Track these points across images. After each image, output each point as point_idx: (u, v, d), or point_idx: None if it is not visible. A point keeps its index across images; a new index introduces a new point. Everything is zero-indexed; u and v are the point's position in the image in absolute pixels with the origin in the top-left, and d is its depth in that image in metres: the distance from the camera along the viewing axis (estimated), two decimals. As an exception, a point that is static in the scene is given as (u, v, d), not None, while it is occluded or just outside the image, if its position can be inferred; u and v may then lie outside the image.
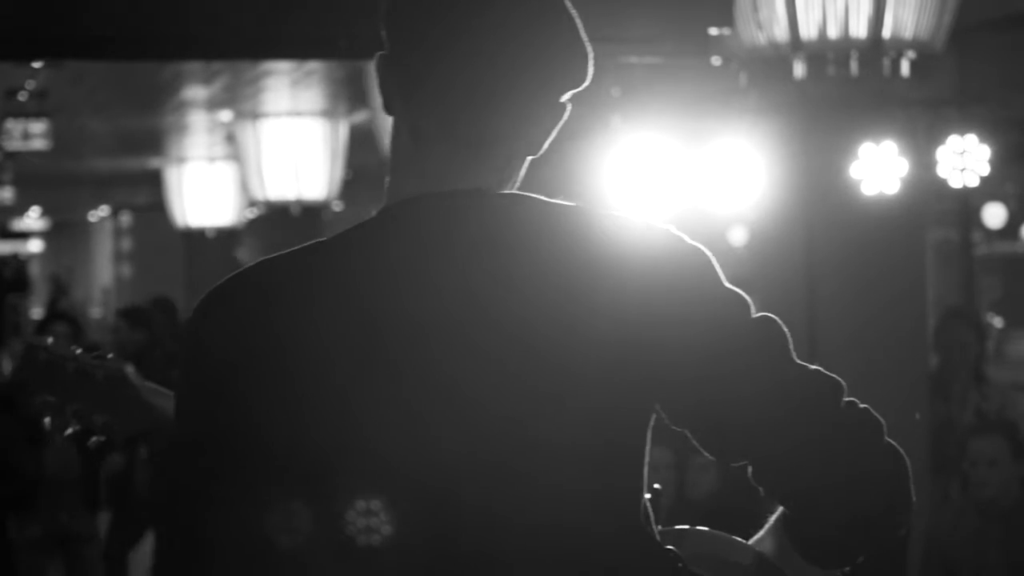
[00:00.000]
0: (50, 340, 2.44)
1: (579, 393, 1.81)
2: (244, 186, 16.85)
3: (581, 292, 1.83)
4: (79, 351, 2.40)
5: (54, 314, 9.57)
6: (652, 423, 1.89)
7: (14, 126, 14.44)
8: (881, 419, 1.91)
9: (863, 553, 1.93)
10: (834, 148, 7.40)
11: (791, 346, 1.90)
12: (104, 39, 7.91)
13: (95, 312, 30.66)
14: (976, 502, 6.49)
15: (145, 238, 28.36)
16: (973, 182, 8.36)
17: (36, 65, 12.49)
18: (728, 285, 1.90)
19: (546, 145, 1.94)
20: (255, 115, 15.54)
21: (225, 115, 16.15)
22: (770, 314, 1.91)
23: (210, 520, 1.82)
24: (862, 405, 1.90)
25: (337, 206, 15.97)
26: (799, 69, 7.33)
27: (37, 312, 26.84)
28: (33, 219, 34.87)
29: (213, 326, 1.85)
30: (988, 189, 12.83)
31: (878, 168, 7.33)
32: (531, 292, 1.82)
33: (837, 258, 7.46)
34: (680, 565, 1.91)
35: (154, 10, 7.83)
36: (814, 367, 1.91)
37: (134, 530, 8.26)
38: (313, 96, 14.97)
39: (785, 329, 1.91)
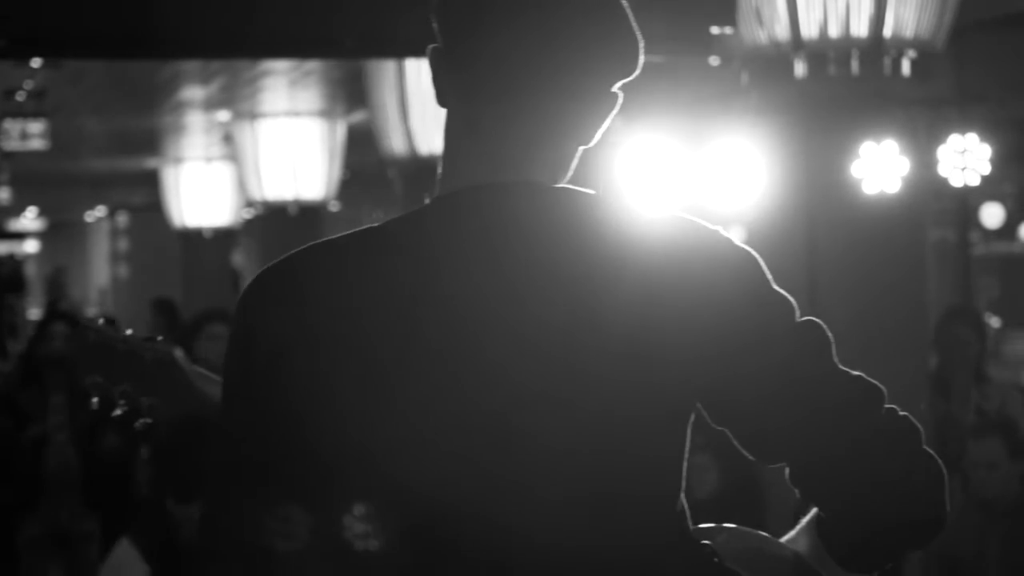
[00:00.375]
0: (101, 320, 2.44)
1: (616, 387, 1.82)
2: (241, 186, 16.84)
3: (622, 288, 1.83)
4: (129, 332, 2.40)
5: (54, 314, 9.55)
6: (691, 420, 1.90)
7: (12, 126, 14.43)
8: (920, 427, 1.92)
9: (895, 559, 1.94)
10: (835, 147, 7.40)
11: (834, 351, 1.92)
12: (103, 38, 7.91)
13: (92, 312, 30.64)
14: (977, 502, 6.50)
15: (142, 238, 28.33)
16: (974, 181, 8.38)
17: (35, 65, 12.48)
18: (775, 288, 1.91)
19: (599, 135, 1.94)
20: (253, 115, 15.54)
21: (223, 115, 16.15)
22: (814, 318, 1.92)
23: (245, 505, 1.83)
24: (902, 412, 1.91)
25: (334, 206, 15.96)
26: (800, 68, 7.34)
27: (34, 313, 26.83)
28: (30, 219, 34.85)
29: (261, 311, 1.87)
30: (986, 189, 12.84)
31: (879, 167, 7.33)
32: (572, 286, 1.83)
33: (838, 256, 7.46)
34: (716, 560, 1.92)
35: (154, 9, 7.83)
36: (856, 372, 1.92)
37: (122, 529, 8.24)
38: (311, 96, 14.97)
39: (829, 334, 1.92)
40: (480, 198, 1.88)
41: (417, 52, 10.67)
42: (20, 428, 7.68)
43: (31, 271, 35.95)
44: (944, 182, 8.30)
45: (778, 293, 1.91)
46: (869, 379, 1.91)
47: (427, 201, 1.92)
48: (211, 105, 15.87)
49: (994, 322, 14.89)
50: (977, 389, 7.56)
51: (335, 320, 1.82)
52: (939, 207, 11.94)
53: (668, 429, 1.88)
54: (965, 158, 8.25)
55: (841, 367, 1.91)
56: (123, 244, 30.01)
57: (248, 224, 20.74)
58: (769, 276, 1.91)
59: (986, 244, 15.47)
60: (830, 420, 1.88)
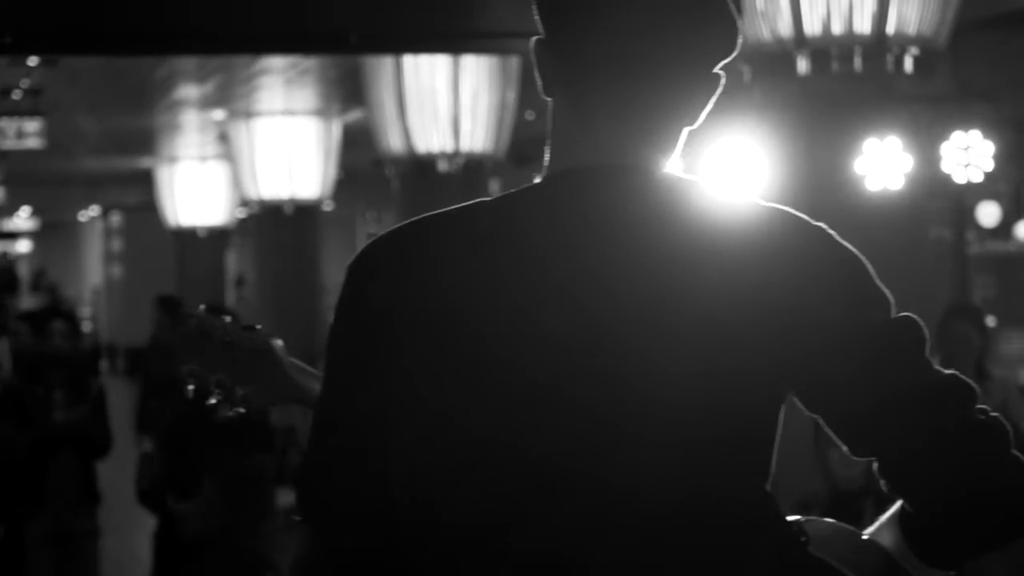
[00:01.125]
0: (202, 307, 2.45)
1: (713, 371, 1.85)
2: (236, 185, 16.85)
3: (727, 276, 1.87)
4: (228, 320, 2.41)
5: (54, 311, 9.56)
6: (784, 406, 1.92)
7: (8, 124, 14.42)
8: (1010, 427, 1.93)
9: (976, 556, 1.95)
10: (838, 144, 7.41)
11: (928, 349, 1.93)
12: (108, 34, 7.91)
13: (85, 312, 30.65)
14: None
15: (135, 238, 28.34)
16: (977, 178, 8.39)
17: (31, 63, 12.47)
18: (875, 284, 1.93)
19: (703, 116, 1.97)
20: (248, 114, 15.55)
21: (218, 114, 16.16)
22: (911, 315, 1.94)
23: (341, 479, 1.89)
24: (993, 413, 1.92)
25: (328, 206, 15.97)
26: (803, 65, 7.36)
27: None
28: (23, 219, 34.84)
29: (372, 277, 1.91)
30: (982, 188, 12.87)
31: (882, 164, 7.34)
32: (665, 269, 1.87)
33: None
34: (804, 539, 1.94)
35: (156, 5, 7.83)
36: (949, 371, 1.93)
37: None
38: (307, 95, 14.98)
39: (925, 332, 1.93)
40: (585, 179, 1.91)
41: (420, 48, 10.68)
42: (22, 427, 7.69)
43: (23, 271, 35.94)
44: (945, 179, 8.31)
45: (876, 289, 1.93)
46: (962, 377, 1.92)
47: (536, 180, 1.95)
48: (207, 104, 15.88)
49: (990, 321, 14.89)
50: (979, 386, 7.57)
51: (441, 289, 1.87)
52: (936, 206, 11.96)
53: (758, 411, 1.91)
54: (968, 155, 8.27)
55: (935, 365, 1.92)
56: (116, 244, 30.01)
57: (242, 224, 20.73)
58: (871, 272, 1.93)
59: (982, 243, 15.49)
60: (922, 415, 1.90)
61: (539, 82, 1.96)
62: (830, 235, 1.94)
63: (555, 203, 1.91)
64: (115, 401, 8.58)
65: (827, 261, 1.92)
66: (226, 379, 2.35)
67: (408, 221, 1.93)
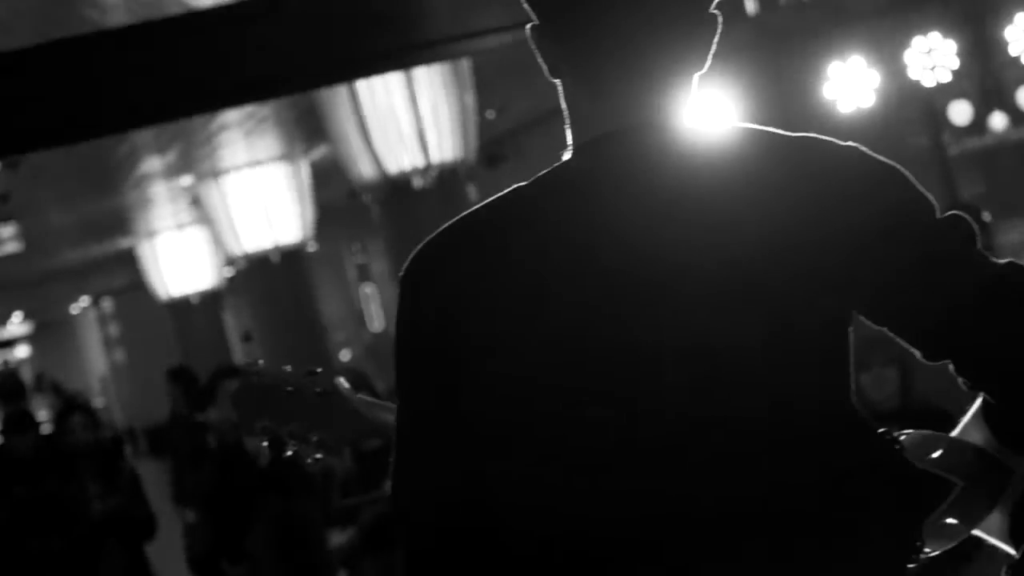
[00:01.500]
0: (261, 362, 2.44)
1: (775, 296, 1.88)
2: (219, 244, 16.84)
3: (767, 206, 1.90)
4: (289, 368, 2.41)
5: (72, 406, 9.58)
6: (852, 324, 1.96)
7: (-18, 234, 14.41)
8: None
9: None
10: (802, 75, 7.43)
11: (979, 242, 1.94)
12: (63, 126, 7.92)
13: (96, 402, 30.61)
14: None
15: (131, 319, 28.33)
16: (945, 78, 8.40)
17: (-7, 169, 12.46)
18: (917, 187, 1.96)
19: (710, 59, 1.99)
20: (216, 173, 15.54)
21: (186, 180, 16.15)
22: (957, 212, 1.95)
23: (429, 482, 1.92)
24: None
25: (312, 246, 15.96)
26: (751, 5, 7.36)
27: (42, 415, 26.76)
28: (16, 324, 34.81)
29: (428, 272, 1.94)
30: (949, 89, 12.86)
31: (850, 84, 7.35)
32: (724, 205, 1.90)
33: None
34: (898, 447, 1.96)
35: (102, 84, 7.84)
36: (1007, 260, 1.95)
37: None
38: (269, 143, 14.97)
39: (974, 226, 1.94)
40: (612, 143, 1.95)
41: (371, 71, 10.66)
42: (60, 531, 7.69)
43: (26, 375, 35.91)
44: (914, 86, 8.32)
45: (918, 193, 1.96)
46: (1020, 263, 1.93)
47: (566, 156, 1.97)
48: (172, 172, 15.86)
49: (986, 216, 14.86)
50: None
51: (495, 275, 1.91)
52: (907, 115, 11.97)
53: (830, 333, 1.94)
54: (932, 57, 8.27)
55: (991, 257, 1.94)
56: (113, 329, 30.00)
57: (231, 282, 20.73)
58: (910, 178, 1.96)
59: (959, 142, 15.49)
60: (989, 306, 1.92)
61: (544, 67, 1.99)
62: (862, 151, 1.97)
63: (584, 172, 1.94)
64: (145, 481, 8.58)
65: (865, 175, 1.94)
66: (299, 428, 2.34)
67: (455, 220, 1.97)
